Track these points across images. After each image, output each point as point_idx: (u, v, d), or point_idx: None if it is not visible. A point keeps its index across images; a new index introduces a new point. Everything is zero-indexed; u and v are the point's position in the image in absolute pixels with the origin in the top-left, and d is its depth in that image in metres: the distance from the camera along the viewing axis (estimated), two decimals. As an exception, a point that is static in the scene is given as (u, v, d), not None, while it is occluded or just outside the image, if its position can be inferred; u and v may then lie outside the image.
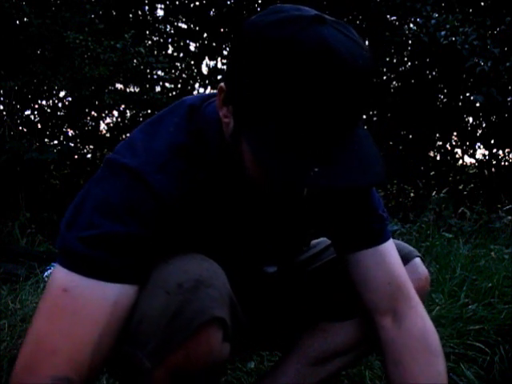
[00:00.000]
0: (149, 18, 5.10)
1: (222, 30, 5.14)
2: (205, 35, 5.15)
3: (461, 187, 5.36)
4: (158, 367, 0.72)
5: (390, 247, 0.93)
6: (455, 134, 5.30)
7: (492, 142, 5.05)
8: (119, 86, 4.12)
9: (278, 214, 0.88)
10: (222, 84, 0.72)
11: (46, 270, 2.13)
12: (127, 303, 0.71)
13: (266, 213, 0.86)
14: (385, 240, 0.92)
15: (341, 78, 0.63)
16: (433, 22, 4.02)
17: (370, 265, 0.91)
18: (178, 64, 5.08)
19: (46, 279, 1.99)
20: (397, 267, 0.92)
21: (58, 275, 0.71)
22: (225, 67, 5.16)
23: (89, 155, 4.64)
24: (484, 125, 5.14)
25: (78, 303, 0.69)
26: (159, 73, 4.38)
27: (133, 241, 0.71)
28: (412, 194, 5.37)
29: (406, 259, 1.02)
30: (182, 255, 0.76)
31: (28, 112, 4.15)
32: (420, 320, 0.90)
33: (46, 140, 4.20)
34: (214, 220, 0.82)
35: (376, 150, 0.70)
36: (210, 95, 0.84)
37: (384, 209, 0.95)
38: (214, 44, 5.19)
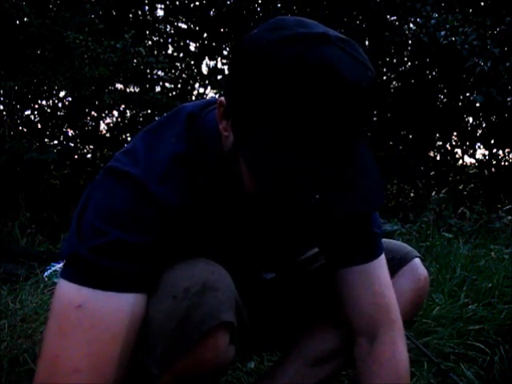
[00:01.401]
0: (149, 17, 5.09)
1: (222, 30, 5.13)
2: (205, 35, 5.14)
3: (461, 187, 5.36)
4: (164, 373, 0.72)
5: (379, 265, 0.92)
6: (455, 133, 5.30)
7: (492, 141, 5.05)
8: (119, 85, 4.11)
9: (275, 222, 0.88)
10: (222, 98, 0.72)
11: (46, 270, 2.12)
12: (141, 312, 0.71)
13: (264, 219, 0.86)
14: (374, 257, 0.91)
15: (341, 98, 0.63)
16: (433, 22, 4.01)
17: (355, 283, 0.90)
18: (178, 64, 5.07)
19: (46, 279, 1.98)
20: (383, 287, 0.91)
21: (68, 291, 0.69)
22: (225, 67, 5.17)
23: (89, 155, 4.62)
24: (484, 125, 5.13)
25: (94, 317, 0.67)
26: (159, 73, 4.38)
27: (141, 248, 0.71)
28: (412, 194, 5.37)
29: (405, 259, 1.02)
30: (187, 260, 0.76)
31: (28, 112, 4.14)
32: (393, 346, 0.89)
33: (46, 140, 4.19)
34: (214, 225, 0.81)
35: (375, 170, 0.70)
36: (209, 102, 0.84)
37: (379, 224, 0.94)
38: (214, 44, 5.19)
